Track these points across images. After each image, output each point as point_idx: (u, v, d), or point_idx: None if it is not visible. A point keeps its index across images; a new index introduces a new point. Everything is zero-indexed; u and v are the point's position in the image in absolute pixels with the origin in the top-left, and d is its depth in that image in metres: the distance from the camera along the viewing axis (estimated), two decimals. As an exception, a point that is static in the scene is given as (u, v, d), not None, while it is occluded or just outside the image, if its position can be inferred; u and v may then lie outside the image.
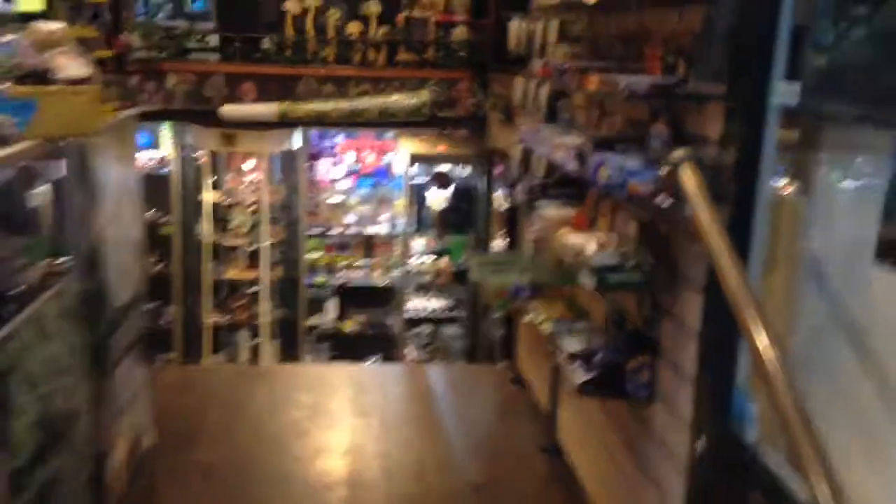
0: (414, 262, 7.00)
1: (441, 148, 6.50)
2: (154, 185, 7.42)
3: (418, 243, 7.07)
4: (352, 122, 5.89)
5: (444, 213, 6.80)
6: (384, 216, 7.91)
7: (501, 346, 5.55)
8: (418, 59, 6.11)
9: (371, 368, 5.48)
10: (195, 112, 5.86)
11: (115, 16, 3.27)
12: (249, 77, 5.84)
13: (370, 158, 7.70)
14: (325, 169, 7.92)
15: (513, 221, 5.02)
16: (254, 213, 7.45)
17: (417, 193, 6.90)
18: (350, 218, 8.00)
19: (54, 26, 2.69)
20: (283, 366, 6.75)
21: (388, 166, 7.75)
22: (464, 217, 6.69)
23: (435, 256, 7.16)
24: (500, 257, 4.31)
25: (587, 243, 2.70)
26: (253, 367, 6.69)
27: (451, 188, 6.61)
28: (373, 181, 7.82)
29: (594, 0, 2.94)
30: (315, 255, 7.86)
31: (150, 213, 7.54)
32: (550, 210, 3.23)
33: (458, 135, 6.28)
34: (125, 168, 3.43)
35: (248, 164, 7.45)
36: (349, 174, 7.99)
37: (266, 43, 5.85)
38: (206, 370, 6.15)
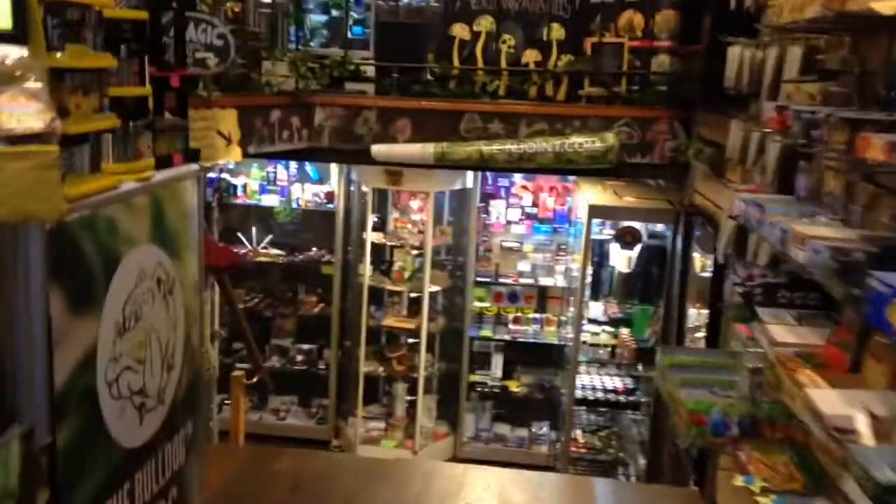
0: (589, 330, 5.56)
1: (628, 199, 5.07)
2: (319, 221, 7.10)
3: (595, 308, 5.65)
4: (521, 167, 4.67)
5: (628, 277, 5.36)
6: (561, 267, 6.90)
7: (694, 462, 4.05)
8: (607, 94, 5.06)
9: (523, 477, 4.09)
10: (344, 151, 5.17)
11: (178, 39, 2.11)
12: (405, 113, 5.05)
13: (549, 202, 6.38)
14: (498, 211, 7.03)
15: (717, 295, 3.54)
16: (418, 255, 6.62)
17: (597, 251, 5.46)
18: (523, 266, 7.03)
19: (12, 52, 1.61)
20: (412, 461, 5.54)
21: (569, 211, 6.75)
22: (652, 283, 5.24)
23: (613, 328, 5.70)
24: (701, 359, 2.84)
25: (852, 416, 1.65)
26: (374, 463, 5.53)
27: (639, 248, 5.12)
28: (551, 227, 6.57)
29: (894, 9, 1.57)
30: (482, 305, 7.00)
31: (314, 251, 7.17)
32: (779, 329, 2.19)
33: (651, 185, 4.77)
34: (170, 248, 2.33)
35: (415, 204, 6.57)
36: (525, 218, 7.03)
37: (427, 74, 4.56)
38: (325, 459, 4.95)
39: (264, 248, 6.98)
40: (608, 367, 5.93)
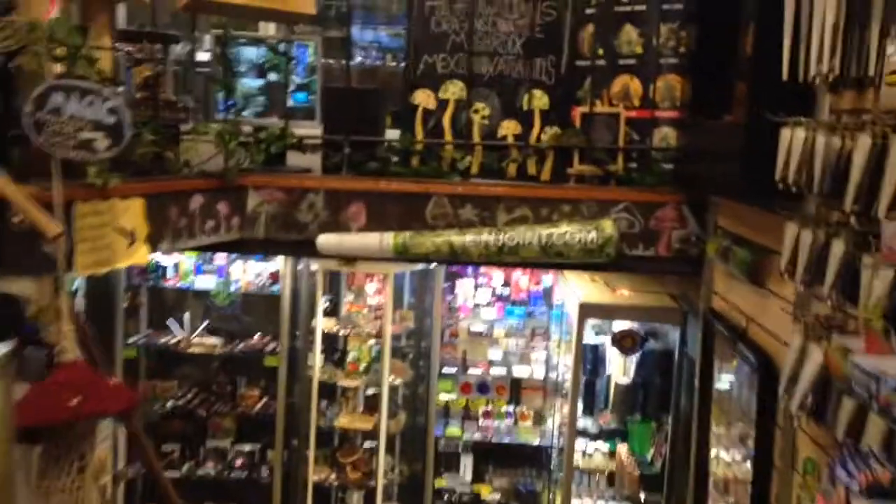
0: (580, 448, 4.59)
1: (623, 292, 4.12)
2: (263, 305, 6.24)
3: (587, 424, 4.69)
4: (500, 262, 3.89)
5: (627, 388, 4.36)
6: (537, 355, 6.26)
7: None
8: (600, 173, 4.27)
9: None
10: (284, 243, 4.25)
11: None
12: (359, 195, 4.17)
13: (523, 281, 5.45)
14: (465, 292, 6.34)
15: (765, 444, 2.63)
16: (375, 344, 5.83)
17: (591, 357, 4.47)
18: (494, 354, 6.34)
19: None
20: None
21: (546, 292, 6.17)
22: (655, 396, 4.24)
23: (607, 441, 4.74)
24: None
25: None
26: None
27: (638, 354, 4.15)
28: (524, 310, 5.54)
29: None
30: (448, 398, 6.31)
31: (256, 338, 6.26)
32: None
33: (653, 278, 3.87)
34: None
35: (372, 286, 6.03)
36: (496, 299, 6.33)
37: (385, 149, 4.30)
38: None
39: (199, 335, 6.12)
40: (604, 494, 4.91)
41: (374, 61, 5.48)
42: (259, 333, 6.23)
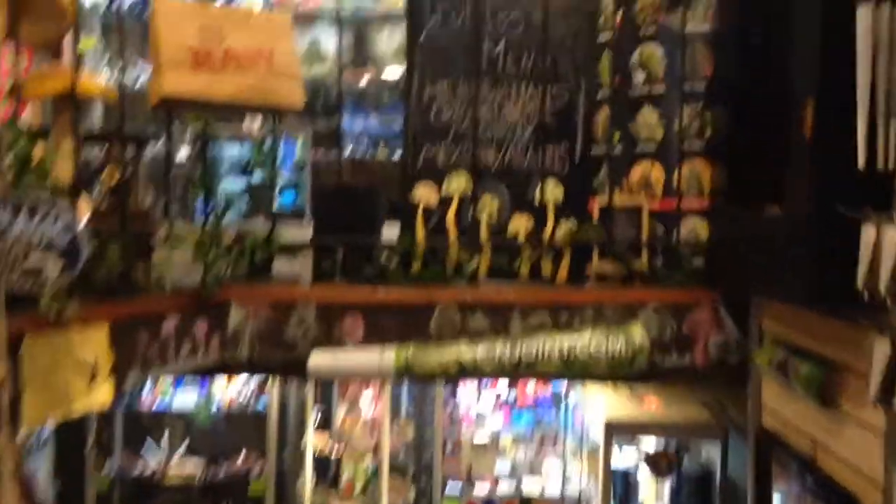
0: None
1: (651, 403, 3.59)
2: (248, 422, 5.75)
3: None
4: (518, 376, 3.55)
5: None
6: (549, 462, 5.93)
7: None
8: (624, 272, 3.79)
9: None
10: (271, 364, 3.72)
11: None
12: (355, 307, 3.68)
13: (530, 386, 4.97)
14: (468, 399, 6.04)
15: None
16: (372, 461, 5.65)
17: (620, 482, 3.91)
18: (501, 466, 6.02)
19: None
20: None
21: (556, 396, 5.88)
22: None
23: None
24: None
25: None
26: None
27: (673, 476, 3.61)
28: (532, 415, 5.03)
29: None
30: None
31: (241, 460, 5.80)
32: None
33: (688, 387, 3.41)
34: None
35: (367, 394, 4.84)
36: (501, 406, 6.03)
37: (383, 253, 3.79)
38: None
39: (179, 460, 5.70)
40: None
41: (366, 152, 5.08)
42: (244, 452, 5.60)
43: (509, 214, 3.88)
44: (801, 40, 2.65)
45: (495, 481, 5.78)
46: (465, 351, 3.58)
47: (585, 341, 3.53)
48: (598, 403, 4.26)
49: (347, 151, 5.13)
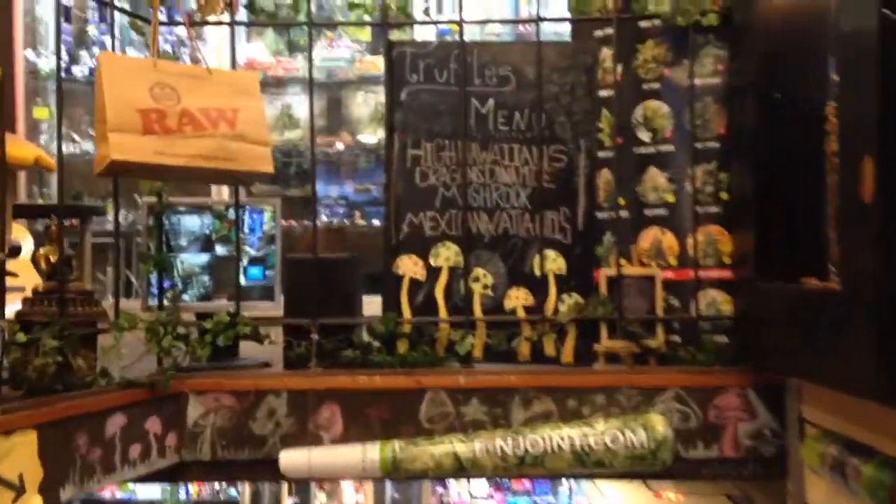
0: None
1: (669, 497, 3.08)
2: None
3: None
4: (523, 474, 3.15)
5: None
6: None
7: None
8: (637, 350, 3.37)
9: None
10: (237, 464, 3.18)
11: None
12: (332, 395, 3.20)
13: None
14: (459, 484, 5.60)
15: None
16: None
17: None
18: None
19: None
20: None
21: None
22: None
23: None
24: None
25: None
26: None
27: None
28: (529, 501, 4.50)
29: None
30: None
31: None
32: None
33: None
34: None
35: (348, 483, 4.44)
36: (495, 489, 5.59)
37: (364, 333, 3.37)
38: None
39: None
40: None
41: (343, 220, 4.61)
42: None
43: (505, 288, 3.47)
44: (850, 94, 2.24)
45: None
46: (461, 445, 3.12)
47: (599, 432, 3.06)
48: (605, 496, 3.73)
49: (322, 220, 4.68)
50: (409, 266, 3.43)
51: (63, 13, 5.71)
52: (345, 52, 5.53)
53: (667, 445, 3.05)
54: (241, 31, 5.92)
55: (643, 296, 3.39)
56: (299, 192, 4.85)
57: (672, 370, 3.25)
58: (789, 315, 2.86)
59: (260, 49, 5.74)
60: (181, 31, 5.68)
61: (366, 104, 5.15)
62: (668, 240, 3.45)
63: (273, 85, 5.48)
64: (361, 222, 4.74)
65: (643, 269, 3.41)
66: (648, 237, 3.47)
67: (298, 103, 5.27)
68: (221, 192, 4.19)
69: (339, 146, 5.14)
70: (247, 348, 3.43)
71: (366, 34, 5.23)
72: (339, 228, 4.76)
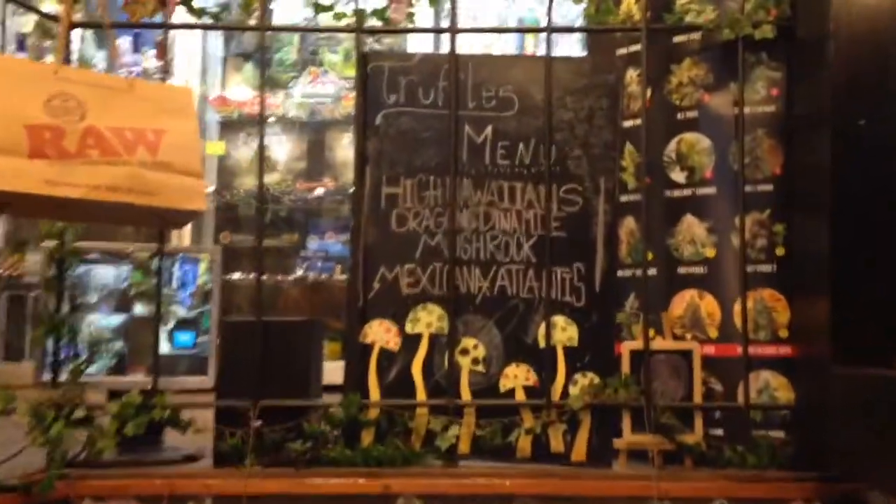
0: None
1: None
2: None
3: None
4: None
5: None
6: None
7: None
8: (670, 448, 2.56)
9: None
10: None
11: None
12: (272, 503, 2.38)
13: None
14: None
15: None
16: None
17: None
18: None
19: None
20: None
21: None
22: None
23: None
24: None
25: None
26: None
27: None
28: None
29: None
30: None
31: None
32: None
33: None
34: None
35: None
36: None
37: (319, 420, 2.52)
38: None
39: None
40: None
41: (320, 273, 3.84)
42: None
43: (502, 364, 2.71)
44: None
45: None
46: (439, 572, 2.26)
47: (621, 562, 2.19)
48: None
49: (297, 274, 3.93)
50: (379, 333, 2.64)
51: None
52: (330, 87, 4.84)
53: None
54: (217, 68, 5.28)
55: (677, 377, 2.60)
56: (276, 242, 4.12)
57: (715, 475, 2.48)
58: (874, 408, 2.12)
59: (238, 85, 5.07)
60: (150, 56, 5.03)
61: (352, 146, 4.44)
62: (709, 305, 2.67)
63: (250, 124, 4.78)
64: (342, 277, 3.99)
65: (677, 343, 2.61)
66: (683, 302, 2.70)
67: (277, 143, 4.57)
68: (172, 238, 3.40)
69: (320, 192, 4.41)
70: (176, 436, 2.61)
71: (352, 70, 4.56)
72: (317, 284, 3.99)
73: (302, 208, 4.39)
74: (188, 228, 4.36)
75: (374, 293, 2.71)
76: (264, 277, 3.55)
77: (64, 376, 2.44)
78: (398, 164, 2.76)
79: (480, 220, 2.76)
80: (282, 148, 4.64)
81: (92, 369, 2.46)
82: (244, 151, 4.84)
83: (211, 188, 4.59)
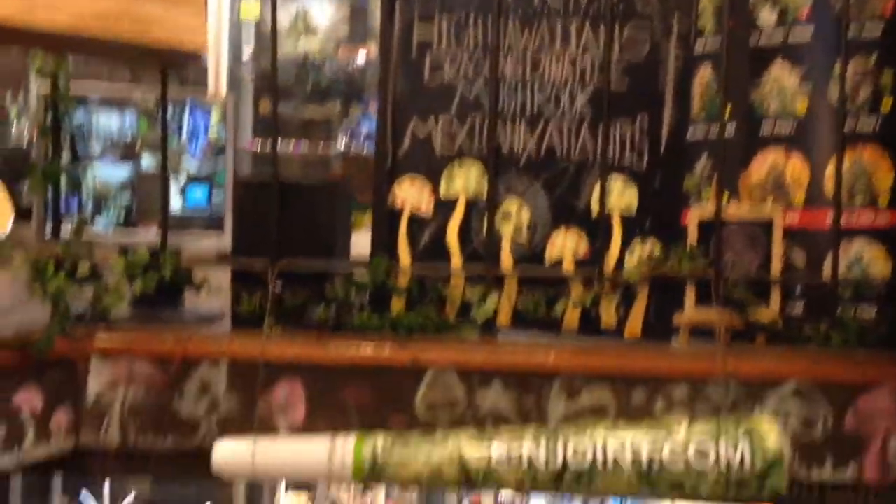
0: None
1: None
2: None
3: None
4: (561, 490, 2.53)
5: None
6: None
7: None
8: (740, 325, 2.09)
9: None
10: (153, 458, 2.10)
11: None
12: (293, 369, 2.10)
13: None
14: None
15: None
16: None
17: None
18: None
19: None
20: None
21: None
22: None
23: None
24: None
25: None
26: None
27: None
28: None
29: None
30: None
31: None
32: None
33: None
34: None
35: None
36: None
37: (341, 286, 2.13)
38: None
39: None
40: None
41: (362, 144, 3.52)
42: None
43: (548, 231, 2.36)
44: None
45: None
46: (472, 447, 2.02)
47: (679, 442, 1.96)
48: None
49: (340, 147, 3.61)
50: (410, 194, 2.34)
51: None
52: (376, -56, 4.40)
53: (781, 467, 1.96)
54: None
55: (753, 247, 2.25)
56: (317, 113, 3.79)
57: (791, 354, 2.15)
58: None
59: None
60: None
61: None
62: (795, 168, 2.27)
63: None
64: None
65: (755, 210, 2.20)
66: (765, 163, 2.33)
67: (317, 7, 4.17)
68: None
69: (361, 60, 4.04)
70: (197, 300, 2.36)
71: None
72: (357, 156, 3.68)
73: (344, 79, 4.05)
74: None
75: (404, 151, 2.37)
76: (304, 149, 3.23)
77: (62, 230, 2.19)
78: (432, 2, 2.35)
79: (527, 67, 2.38)
80: (322, 12, 4.26)
81: (97, 225, 2.20)
82: (282, 15, 4.47)
83: (248, 54, 4.27)
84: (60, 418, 2.17)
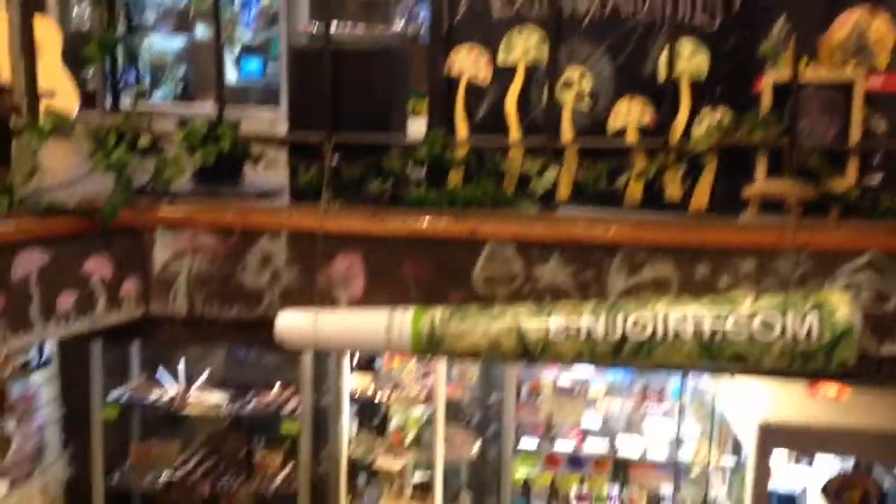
0: None
1: (828, 393, 1.80)
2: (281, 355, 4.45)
3: None
4: (621, 363, 2.25)
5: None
6: (653, 420, 4.40)
7: None
8: (814, 196, 1.95)
9: None
10: (219, 325, 2.12)
11: None
12: (353, 242, 2.08)
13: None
14: None
15: None
16: (425, 405, 4.20)
17: None
18: (591, 421, 4.51)
19: None
20: None
21: None
22: None
23: None
24: None
25: None
26: None
27: None
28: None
29: None
30: (527, 473, 4.58)
31: (274, 393, 4.51)
32: None
33: None
34: None
35: None
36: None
37: (398, 158, 2.08)
38: None
39: (199, 389, 4.49)
40: None
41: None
42: (278, 385, 4.50)
43: (612, 99, 2.25)
44: None
45: (582, 436, 4.22)
46: (530, 320, 2.02)
47: (744, 315, 1.91)
48: (742, 387, 2.52)
49: (398, 27, 3.43)
50: (467, 63, 2.23)
51: None
52: None
53: (850, 338, 1.89)
54: None
55: (830, 114, 2.09)
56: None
57: (867, 226, 2.04)
58: None
59: None
60: None
61: None
62: (880, 28, 2.09)
63: None
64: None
65: (835, 74, 2.01)
66: (848, 23, 2.13)
67: None
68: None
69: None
70: (258, 174, 2.33)
71: None
72: (414, 37, 3.49)
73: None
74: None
75: (460, 16, 2.23)
76: (360, 31, 3.10)
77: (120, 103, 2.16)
78: None
79: (593, -80, 2.16)
80: None
81: (155, 97, 2.17)
82: None
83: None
84: (129, 287, 2.23)
